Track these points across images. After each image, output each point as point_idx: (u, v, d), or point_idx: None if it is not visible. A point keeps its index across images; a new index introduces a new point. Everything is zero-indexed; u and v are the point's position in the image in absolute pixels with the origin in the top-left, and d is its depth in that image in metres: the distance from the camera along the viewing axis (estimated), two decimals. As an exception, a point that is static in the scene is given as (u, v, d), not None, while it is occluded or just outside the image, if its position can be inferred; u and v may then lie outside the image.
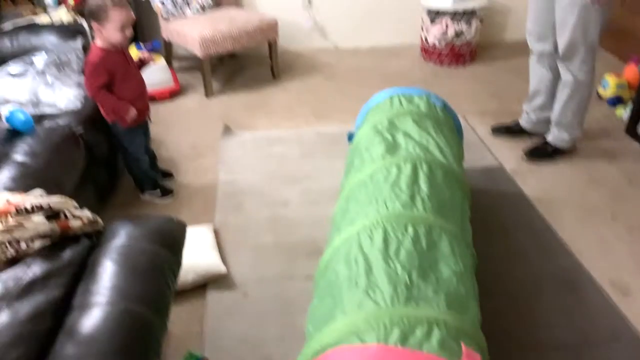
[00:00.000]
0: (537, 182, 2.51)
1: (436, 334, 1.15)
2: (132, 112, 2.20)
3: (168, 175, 2.58)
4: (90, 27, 2.21)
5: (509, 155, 2.72)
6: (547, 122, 2.80)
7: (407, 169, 1.71)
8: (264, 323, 1.78)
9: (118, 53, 2.15)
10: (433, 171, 1.73)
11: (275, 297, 1.87)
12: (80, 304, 1.20)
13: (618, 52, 3.85)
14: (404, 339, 1.13)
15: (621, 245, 2.12)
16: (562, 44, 2.41)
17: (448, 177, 1.76)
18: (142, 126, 2.33)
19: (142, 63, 2.37)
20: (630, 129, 2.90)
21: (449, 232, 1.50)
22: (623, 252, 2.08)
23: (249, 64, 3.95)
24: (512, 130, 2.88)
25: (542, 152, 2.67)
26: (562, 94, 2.55)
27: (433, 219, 1.51)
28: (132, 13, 2.11)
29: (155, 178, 2.45)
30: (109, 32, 2.06)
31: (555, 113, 2.62)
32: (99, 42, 2.11)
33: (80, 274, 1.31)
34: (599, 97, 3.29)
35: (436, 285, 1.29)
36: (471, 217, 1.82)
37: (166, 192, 2.44)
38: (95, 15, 2.04)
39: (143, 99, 2.30)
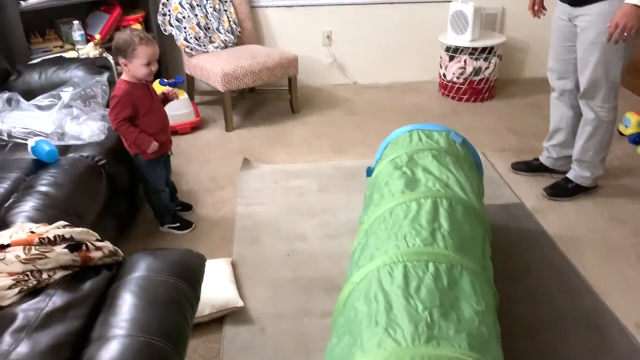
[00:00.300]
0: (558, 220, 2.47)
1: (458, 376, 1.12)
2: (154, 145, 2.24)
3: (187, 207, 2.59)
4: (117, 62, 2.28)
5: (529, 192, 2.69)
6: (567, 159, 2.78)
7: (427, 205, 1.70)
8: None
9: (143, 87, 2.23)
10: (453, 207, 1.72)
11: (292, 334, 1.85)
12: (98, 336, 1.20)
13: (639, 90, 3.83)
14: (425, 380, 1.10)
15: (647, 286, 2.06)
16: (583, 82, 2.41)
17: (468, 213, 1.75)
18: (163, 159, 2.37)
19: (167, 98, 2.44)
20: (653, 167, 2.86)
21: (470, 270, 1.47)
22: (649, 294, 2.03)
23: (269, 99, 4.01)
24: (532, 167, 2.86)
25: (563, 189, 2.64)
26: (583, 132, 2.54)
27: (454, 256, 1.49)
28: (158, 49, 2.18)
29: (174, 211, 2.47)
30: (135, 67, 2.13)
31: (576, 150, 2.60)
32: (124, 76, 2.20)
33: (99, 305, 1.32)
34: (621, 134, 3.27)
35: (457, 324, 1.26)
36: (493, 254, 1.80)
37: (185, 225, 2.46)
38: (123, 51, 2.12)
39: (165, 133, 2.35)
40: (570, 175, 2.66)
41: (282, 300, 2.00)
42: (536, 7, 2.60)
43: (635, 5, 2.11)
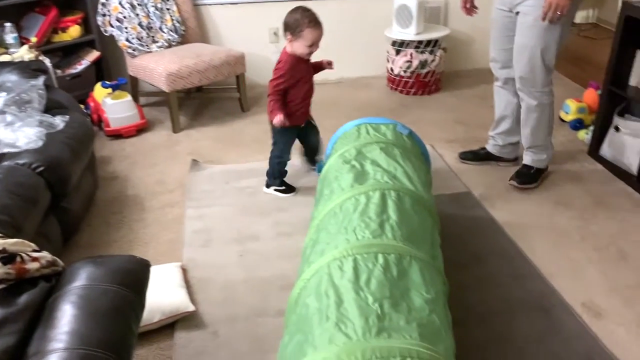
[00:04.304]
0: (506, 207, 2.53)
1: (410, 367, 1.12)
2: (278, 121, 2.43)
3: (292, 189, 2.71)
4: (285, 36, 2.45)
5: (477, 182, 2.74)
6: (513, 146, 2.85)
7: (375, 198, 1.70)
8: (236, 362, 1.72)
9: (304, 61, 2.44)
10: (401, 199, 1.72)
11: (247, 335, 1.82)
12: (36, 352, 1.14)
13: (577, 78, 3.97)
14: (377, 373, 1.09)
15: (591, 266, 2.13)
16: (521, 69, 2.46)
17: (417, 204, 1.76)
18: (296, 130, 2.59)
19: (321, 67, 2.62)
20: (592, 152, 2.96)
21: (419, 260, 1.48)
22: (593, 274, 2.09)
23: (217, 98, 3.94)
24: (479, 156, 2.91)
25: (528, 176, 2.68)
26: (529, 119, 2.60)
27: (403, 246, 1.49)
28: (322, 32, 2.37)
29: (283, 177, 2.67)
30: (298, 45, 2.37)
31: (526, 138, 2.66)
32: (288, 49, 2.43)
33: (37, 319, 1.25)
34: (562, 120, 3.38)
35: (408, 314, 1.26)
36: (443, 244, 1.81)
37: (289, 189, 2.66)
38: (291, 29, 2.35)
39: (306, 104, 2.56)
40: (527, 162, 2.71)
41: (236, 302, 1.96)
42: (468, 6, 2.66)
43: None
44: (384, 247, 1.47)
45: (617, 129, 2.79)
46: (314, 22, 2.32)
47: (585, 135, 3.13)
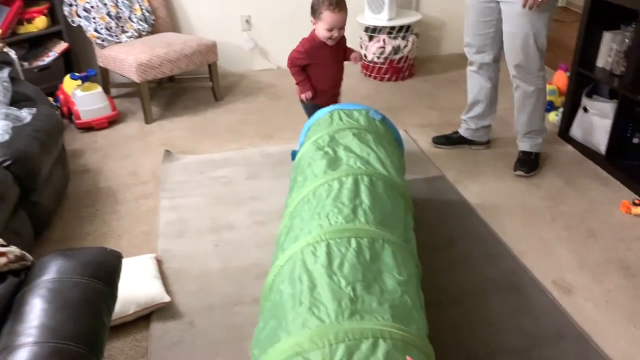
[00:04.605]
0: (478, 189, 2.56)
1: (382, 347, 1.13)
2: (306, 96, 2.45)
3: None
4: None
5: (450, 165, 2.77)
6: (485, 129, 2.88)
7: (348, 183, 1.70)
8: (212, 352, 1.72)
9: (325, 46, 2.38)
10: (374, 183, 1.73)
11: (223, 324, 1.82)
12: (4, 347, 1.12)
13: (547, 61, 4.00)
14: (349, 355, 1.10)
15: (561, 245, 2.18)
16: (516, 57, 2.46)
17: (390, 188, 1.77)
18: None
19: (348, 59, 2.56)
20: (562, 133, 3.01)
21: (392, 243, 1.49)
22: (563, 252, 2.14)
23: (190, 88, 3.89)
24: (452, 140, 2.94)
25: (530, 162, 2.69)
26: (526, 105, 2.61)
27: (375, 230, 1.50)
28: (344, 18, 2.31)
29: None
30: (319, 28, 2.33)
31: (523, 125, 2.67)
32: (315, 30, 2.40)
33: (5, 314, 1.23)
34: (533, 104, 3.42)
35: (380, 296, 1.28)
36: (416, 228, 1.83)
37: None
38: (313, 11, 2.33)
39: (332, 89, 2.52)
40: (525, 148, 2.72)
41: (212, 291, 1.96)
42: None
43: None
44: (356, 231, 1.48)
45: (585, 109, 2.84)
46: (334, 5, 2.25)
47: (555, 117, 3.18)
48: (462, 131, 2.92)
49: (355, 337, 1.14)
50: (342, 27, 2.32)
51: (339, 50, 2.48)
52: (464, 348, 1.70)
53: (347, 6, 2.34)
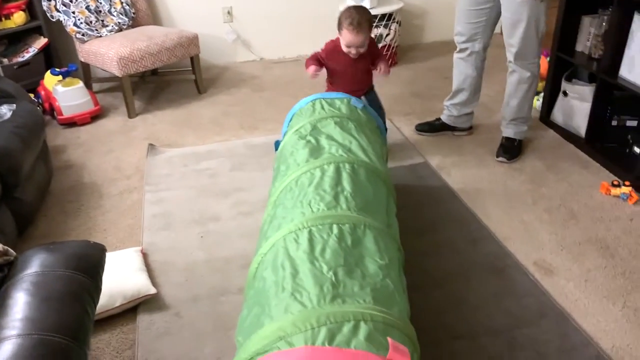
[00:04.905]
0: (461, 175, 2.59)
1: (363, 329, 1.15)
2: (310, 74, 2.45)
3: None
4: None
5: (433, 152, 2.80)
6: (467, 116, 2.91)
7: (330, 171, 1.72)
8: (200, 342, 1.73)
9: (348, 57, 2.39)
10: (356, 170, 1.75)
11: (210, 314, 1.83)
12: (-12, 341, 1.12)
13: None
14: (331, 338, 1.12)
15: (542, 227, 2.21)
16: (515, 43, 2.49)
17: (371, 175, 1.79)
18: None
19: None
20: (544, 118, 3.05)
21: (374, 228, 1.51)
22: (544, 234, 2.17)
23: (172, 81, 3.88)
24: (434, 127, 2.96)
25: (514, 149, 2.73)
26: (518, 91, 2.64)
27: (357, 216, 1.52)
28: (362, 40, 2.30)
29: None
30: (340, 41, 2.37)
31: (512, 110, 2.69)
32: None
33: (-11, 309, 1.24)
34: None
35: (362, 280, 1.30)
36: (400, 213, 1.86)
37: None
38: (338, 22, 2.35)
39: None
40: (510, 134, 2.75)
41: (197, 282, 1.97)
42: None
43: None
44: (338, 217, 1.50)
45: (565, 93, 2.88)
46: (354, 26, 2.26)
47: (536, 101, 3.21)
48: (445, 118, 2.94)
49: (337, 320, 1.16)
50: (361, 46, 2.33)
51: (364, 60, 2.45)
52: (448, 329, 1.73)
53: (367, 25, 2.30)
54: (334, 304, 1.21)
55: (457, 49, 2.77)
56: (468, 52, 2.71)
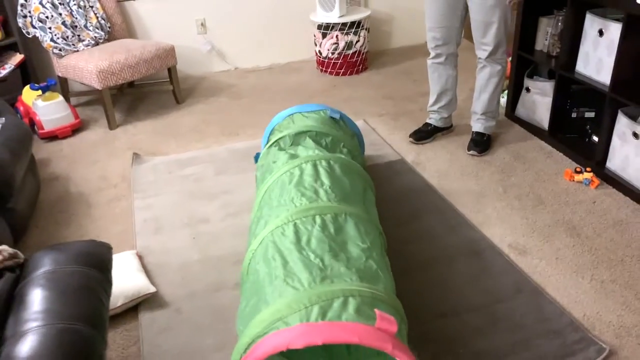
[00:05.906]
0: (436, 169, 2.74)
1: (352, 304, 1.26)
2: None
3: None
4: None
5: (408, 149, 2.95)
6: (451, 115, 3.06)
7: (308, 168, 1.85)
8: (201, 334, 1.82)
9: None
10: (332, 166, 1.89)
11: (208, 308, 1.92)
12: (13, 334, 1.20)
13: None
14: (324, 314, 1.23)
15: (514, 212, 2.37)
16: (489, 42, 2.67)
17: (347, 169, 1.92)
18: None
19: None
20: (509, 113, 3.23)
21: (354, 216, 1.64)
22: (516, 219, 2.33)
23: (150, 92, 3.95)
24: (429, 132, 3.04)
25: (484, 143, 2.88)
26: (489, 84, 2.79)
27: (337, 206, 1.64)
28: None
29: None
30: None
31: (483, 105, 2.84)
32: None
33: (8, 308, 1.31)
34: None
35: (347, 263, 1.42)
36: (382, 206, 1.99)
37: None
38: None
39: None
40: (479, 129, 2.90)
41: (194, 280, 2.06)
42: None
43: None
44: (320, 209, 1.62)
45: (527, 89, 3.07)
46: None
47: (502, 99, 3.40)
48: (435, 121, 3.03)
49: (328, 298, 1.28)
50: None
51: None
52: (432, 308, 1.86)
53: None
54: (323, 284, 1.33)
55: (432, 55, 2.87)
56: (445, 55, 2.83)
